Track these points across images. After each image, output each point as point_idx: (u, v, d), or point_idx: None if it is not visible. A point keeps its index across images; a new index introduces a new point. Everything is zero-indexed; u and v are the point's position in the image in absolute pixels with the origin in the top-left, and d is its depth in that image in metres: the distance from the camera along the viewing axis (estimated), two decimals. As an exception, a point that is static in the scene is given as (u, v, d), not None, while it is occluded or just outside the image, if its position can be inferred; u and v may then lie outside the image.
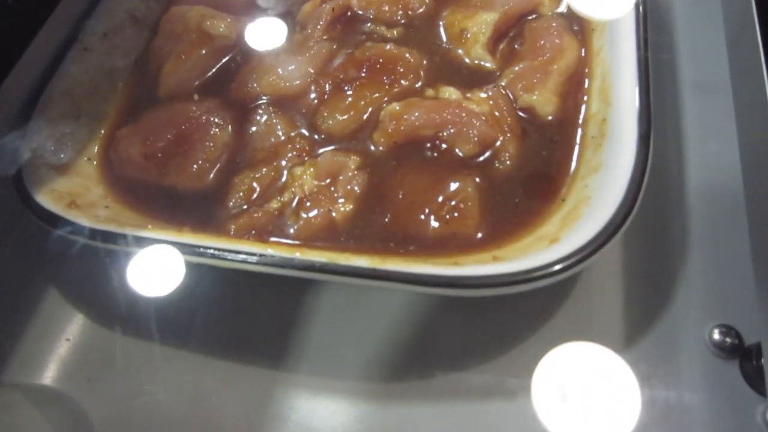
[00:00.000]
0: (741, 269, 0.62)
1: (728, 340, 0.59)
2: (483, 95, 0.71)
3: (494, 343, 0.63)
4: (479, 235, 0.63)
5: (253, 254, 0.58)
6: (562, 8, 0.79)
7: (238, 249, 0.58)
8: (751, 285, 0.60)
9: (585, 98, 0.70)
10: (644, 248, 0.66)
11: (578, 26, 0.77)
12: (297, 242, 0.65)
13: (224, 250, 0.59)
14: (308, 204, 0.67)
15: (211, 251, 0.59)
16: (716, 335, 0.60)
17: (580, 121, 0.69)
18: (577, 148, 0.67)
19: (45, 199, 0.66)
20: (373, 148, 0.71)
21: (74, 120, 0.76)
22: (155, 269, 0.62)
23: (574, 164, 0.66)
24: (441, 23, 0.80)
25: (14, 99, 0.72)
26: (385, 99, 0.73)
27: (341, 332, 0.67)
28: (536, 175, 0.66)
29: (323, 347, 0.66)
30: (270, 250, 0.58)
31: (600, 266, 0.65)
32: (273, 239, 0.65)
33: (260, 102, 0.76)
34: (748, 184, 0.66)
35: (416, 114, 0.69)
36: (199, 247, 0.59)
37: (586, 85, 0.71)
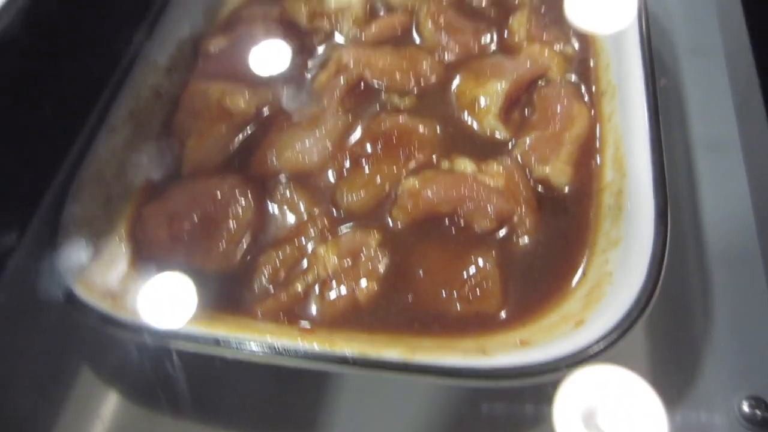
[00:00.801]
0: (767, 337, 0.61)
1: (758, 412, 0.58)
2: (497, 167, 0.70)
3: (518, 417, 0.62)
4: (503, 314, 0.62)
5: (285, 349, 0.57)
6: (570, 74, 0.78)
7: (268, 343, 0.57)
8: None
9: (599, 166, 0.70)
10: (668, 319, 0.65)
11: (587, 91, 0.76)
12: (323, 325, 0.64)
13: (252, 341, 0.58)
14: (332, 284, 0.66)
15: (242, 346, 0.58)
16: (746, 407, 0.59)
17: (595, 191, 0.68)
18: (593, 219, 0.66)
19: (80, 289, 0.65)
20: (392, 224, 0.70)
21: (105, 202, 0.75)
22: (188, 352, 0.61)
23: (592, 236, 0.65)
24: (453, 92, 0.80)
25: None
26: (403, 172, 0.72)
27: (370, 408, 0.66)
28: (555, 248, 0.66)
29: (351, 427, 0.65)
30: (301, 343, 0.57)
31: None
32: (301, 323, 0.64)
33: (281, 178, 0.75)
34: (764, 247, 0.65)
35: (433, 191, 0.69)
36: (230, 341, 0.58)
37: (599, 153, 0.70)
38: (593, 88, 0.77)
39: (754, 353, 0.62)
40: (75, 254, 0.70)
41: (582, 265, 0.64)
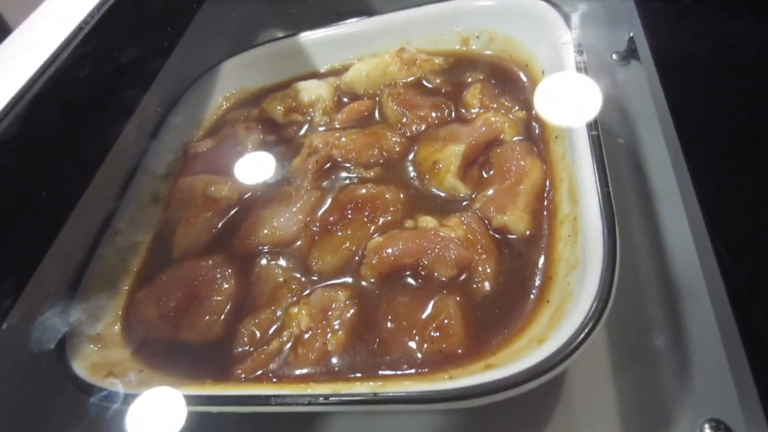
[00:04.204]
0: (719, 360, 0.58)
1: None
2: (458, 221, 0.70)
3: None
4: (463, 349, 0.60)
5: (259, 397, 0.56)
6: (521, 135, 0.79)
7: (247, 394, 0.57)
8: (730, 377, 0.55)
9: (555, 202, 0.69)
10: (627, 346, 0.63)
11: (539, 143, 0.77)
12: (299, 378, 0.62)
13: (234, 397, 0.57)
14: (305, 339, 0.64)
15: (223, 398, 0.58)
16: (707, 431, 0.55)
17: (554, 229, 0.67)
18: (553, 254, 0.65)
19: (85, 372, 0.65)
20: (361, 280, 0.69)
21: (107, 295, 0.77)
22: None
23: (553, 268, 0.63)
24: (414, 159, 0.81)
25: (53, 280, 0.73)
26: (370, 235, 0.72)
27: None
28: (516, 286, 0.64)
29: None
30: (281, 391, 0.56)
31: (586, 367, 0.61)
32: (279, 376, 0.63)
33: (259, 251, 0.76)
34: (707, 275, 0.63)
35: (396, 246, 0.68)
36: (214, 397, 0.58)
37: (555, 190, 0.70)
38: (545, 135, 0.77)
39: (711, 378, 0.59)
40: (80, 343, 0.70)
41: (543, 295, 0.61)
